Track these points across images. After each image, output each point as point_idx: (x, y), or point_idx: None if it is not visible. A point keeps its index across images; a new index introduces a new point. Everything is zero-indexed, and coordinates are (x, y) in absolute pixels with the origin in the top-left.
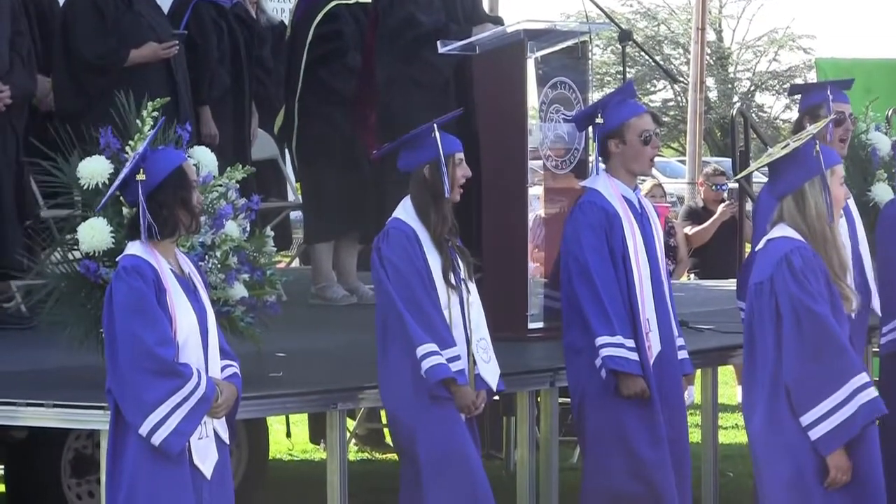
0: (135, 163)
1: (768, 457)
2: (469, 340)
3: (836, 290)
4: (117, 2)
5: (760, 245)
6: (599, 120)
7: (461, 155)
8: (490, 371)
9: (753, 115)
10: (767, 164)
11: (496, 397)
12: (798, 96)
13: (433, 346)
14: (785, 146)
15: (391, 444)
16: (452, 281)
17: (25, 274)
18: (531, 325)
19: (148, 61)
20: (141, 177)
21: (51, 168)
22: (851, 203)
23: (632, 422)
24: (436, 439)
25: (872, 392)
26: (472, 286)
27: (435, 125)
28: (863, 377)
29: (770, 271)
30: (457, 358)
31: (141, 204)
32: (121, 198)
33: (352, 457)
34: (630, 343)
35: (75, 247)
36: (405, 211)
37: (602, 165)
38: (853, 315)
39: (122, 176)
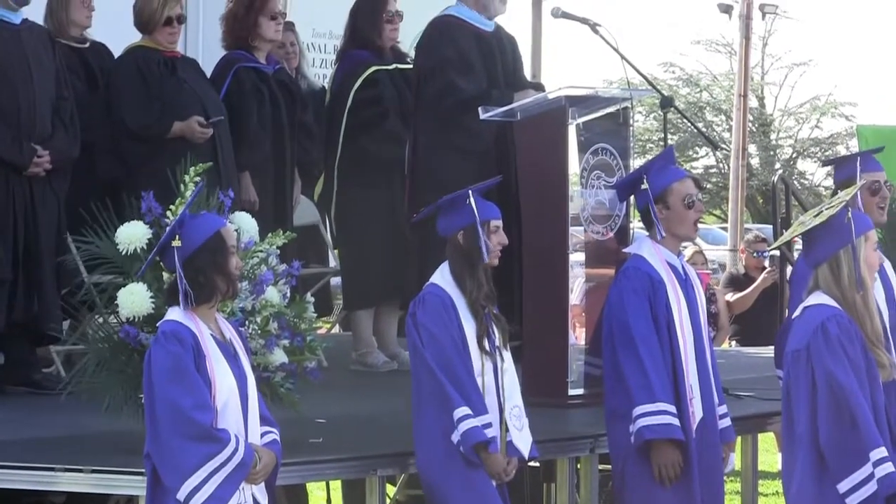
0: (173, 228)
1: None
2: (502, 408)
3: (873, 357)
4: (161, 68)
5: (797, 312)
6: (644, 186)
7: (498, 222)
8: (523, 439)
9: (795, 181)
10: (801, 233)
11: (536, 464)
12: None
13: (469, 410)
14: (818, 214)
15: None
16: (487, 348)
17: (65, 339)
18: (571, 392)
19: (184, 136)
20: (176, 243)
21: (90, 239)
22: (888, 267)
23: (665, 496)
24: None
25: (889, 467)
26: (507, 354)
27: (470, 192)
28: (881, 451)
29: (807, 339)
30: (488, 426)
31: (178, 270)
32: (161, 263)
33: None
34: (673, 409)
35: (115, 312)
36: (442, 276)
37: (645, 232)
38: (893, 379)
39: (161, 242)
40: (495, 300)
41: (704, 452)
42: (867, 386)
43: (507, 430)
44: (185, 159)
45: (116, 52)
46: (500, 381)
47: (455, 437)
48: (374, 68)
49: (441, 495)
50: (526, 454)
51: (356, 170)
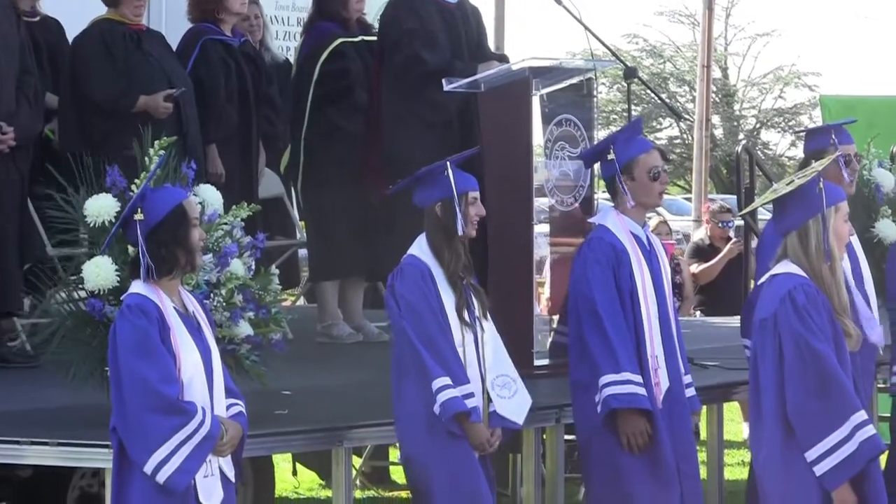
0: (134, 202)
1: (774, 493)
2: (483, 378)
3: (840, 327)
4: (126, 41)
5: (764, 279)
6: (611, 156)
7: (476, 193)
8: (509, 407)
9: (759, 152)
10: (772, 200)
11: None
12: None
13: (449, 380)
14: (790, 182)
15: (397, 481)
16: (466, 318)
17: (30, 312)
18: (537, 362)
19: (148, 110)
20: (139, 216)
21: (61, 202)
22: (855, 240)
23: (633, 464)
24: (450, 476)
25: (871, 430)
26: (488, 324)
27: (448, 163)
28: (861, 414)
29: (774, 308)
30: (470, 395)
31: (140, 244)
32: (124, 236)
33: (357, 495)
34: (638, 378)
35: (81, 285)
36: (420, 248)
37: (610, 203)
38: (858, 349)
39: (123, 216)
40: (473, 271)
41: (675, 422)
42: (836, 354)
43: (489, 400)
44: (148, 133)
45: (70, 26)
46: (482, 351)
47: (436, 409)
48: (340, 40)
49: (423, 467)
50: (520, 421)
51: (323, 142)
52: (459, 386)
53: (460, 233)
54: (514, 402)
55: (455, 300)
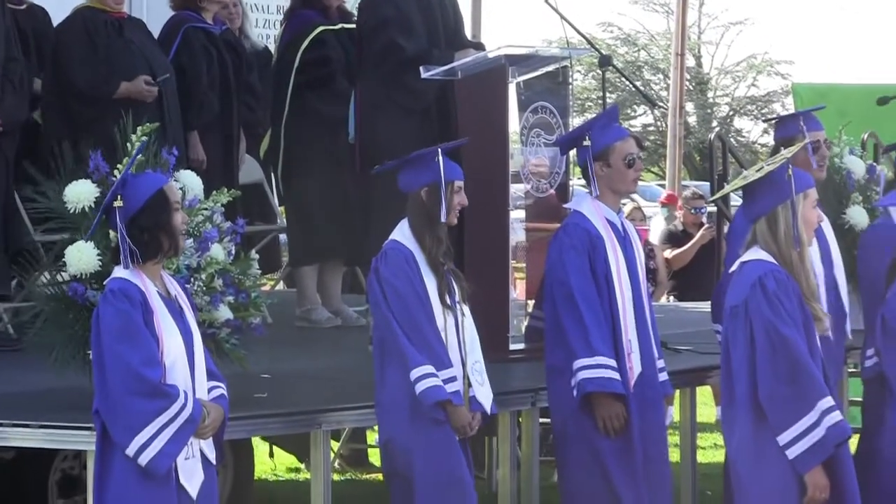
0: (115, 189)
1: (748, 476)
2: (464, 362)
3: (810, 312)
4: (108, 28)
5: (734, 267)
6: (586, 142)
7: (461, 183)
8: (484, 394)
9: (732, 139)
10: (741, 186)
11: None
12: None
13: (428, 368)
14: (759, 169)
15: (374, 464)
16: (448, 303)
17: (13, 296)
18: (512, 346)
19: (130, 97)
20: (118, 203)
21: (39, 194)
22: (826, 226)
23: (608, 447)
24: (432, 461)
25: (838, 415)
26: (467, 309)
27: (439, 150)
28: (828, 400)
29: (745, 294)
30: (453, 379)
31: (119, 230)
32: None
33: (336, 477)
34: (612, 363)
35: (63, 269)
36: (402, 233)
37: (585, 190)
38: (829, 335)
39: (105, 203)
40: (453, 256)
41: (646, 407)
42: (805, 340)
43: (469, 384)
44: (129, 118)
45: (55, 14)
46: (462, 336)
47: None
48: (320, 28)
49: (405, 452)
50: (488, 408)
51: (303, 128)
52: (443, 370)
53: (443, 219)
54: (485, 390)
55: (437, 284)
